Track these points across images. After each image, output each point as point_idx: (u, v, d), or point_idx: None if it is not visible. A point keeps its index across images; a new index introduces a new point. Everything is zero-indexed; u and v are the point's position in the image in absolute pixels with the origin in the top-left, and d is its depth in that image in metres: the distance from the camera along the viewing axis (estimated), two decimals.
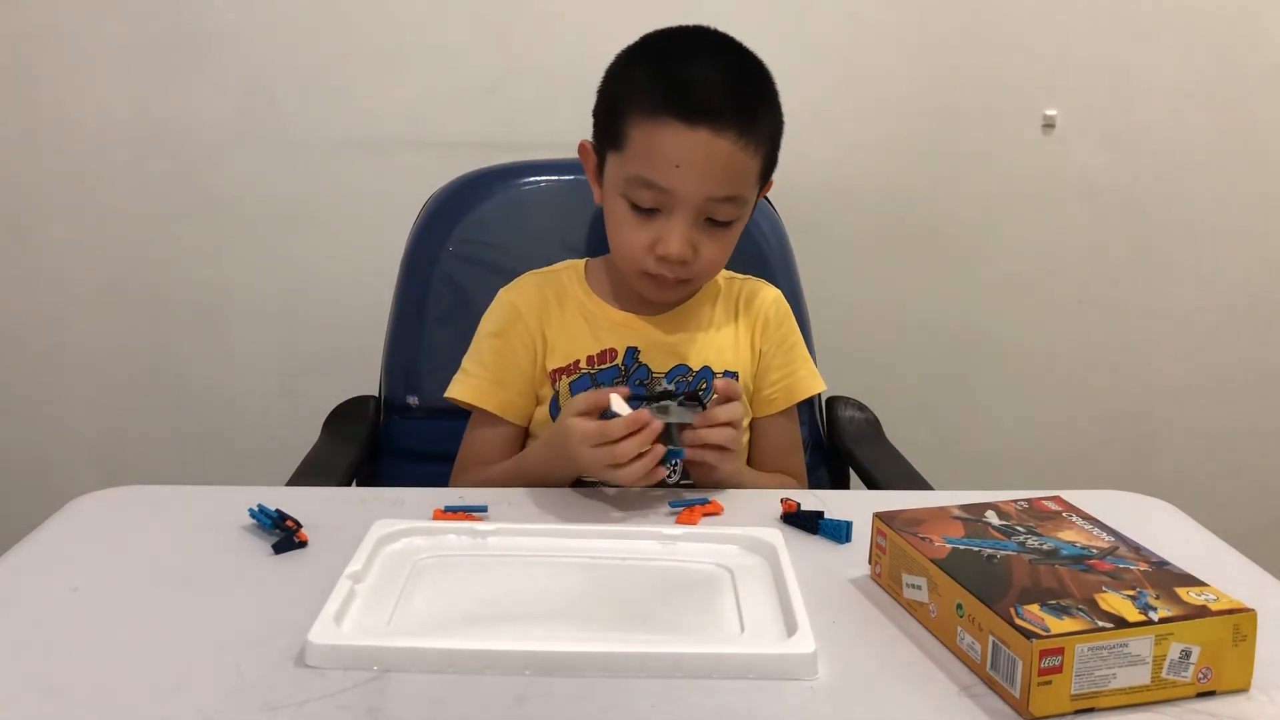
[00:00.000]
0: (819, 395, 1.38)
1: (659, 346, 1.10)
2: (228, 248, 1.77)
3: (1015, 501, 0.84)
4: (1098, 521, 0.80)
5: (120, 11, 1.67)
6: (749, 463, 1.13)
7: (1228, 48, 1.75)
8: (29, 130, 1.72)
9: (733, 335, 1.14)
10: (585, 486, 1.08)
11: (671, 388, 0.98)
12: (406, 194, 1.42)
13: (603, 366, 1.10)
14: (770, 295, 1.19)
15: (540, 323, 1.12)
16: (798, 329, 1.19)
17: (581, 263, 1.18)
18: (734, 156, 1.01)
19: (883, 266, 1.81)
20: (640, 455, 0.92)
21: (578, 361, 1.10)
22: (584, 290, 1.14)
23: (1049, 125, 1.77)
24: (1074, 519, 0.81)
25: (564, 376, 1.11)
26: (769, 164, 1.08)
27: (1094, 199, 1.80)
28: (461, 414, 1.16)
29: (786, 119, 1.76)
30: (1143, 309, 1.85)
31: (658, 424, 0.93)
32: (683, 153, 0.99)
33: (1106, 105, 1.76)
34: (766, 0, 1.69)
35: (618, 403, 0.94)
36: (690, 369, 1.10)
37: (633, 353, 1.10)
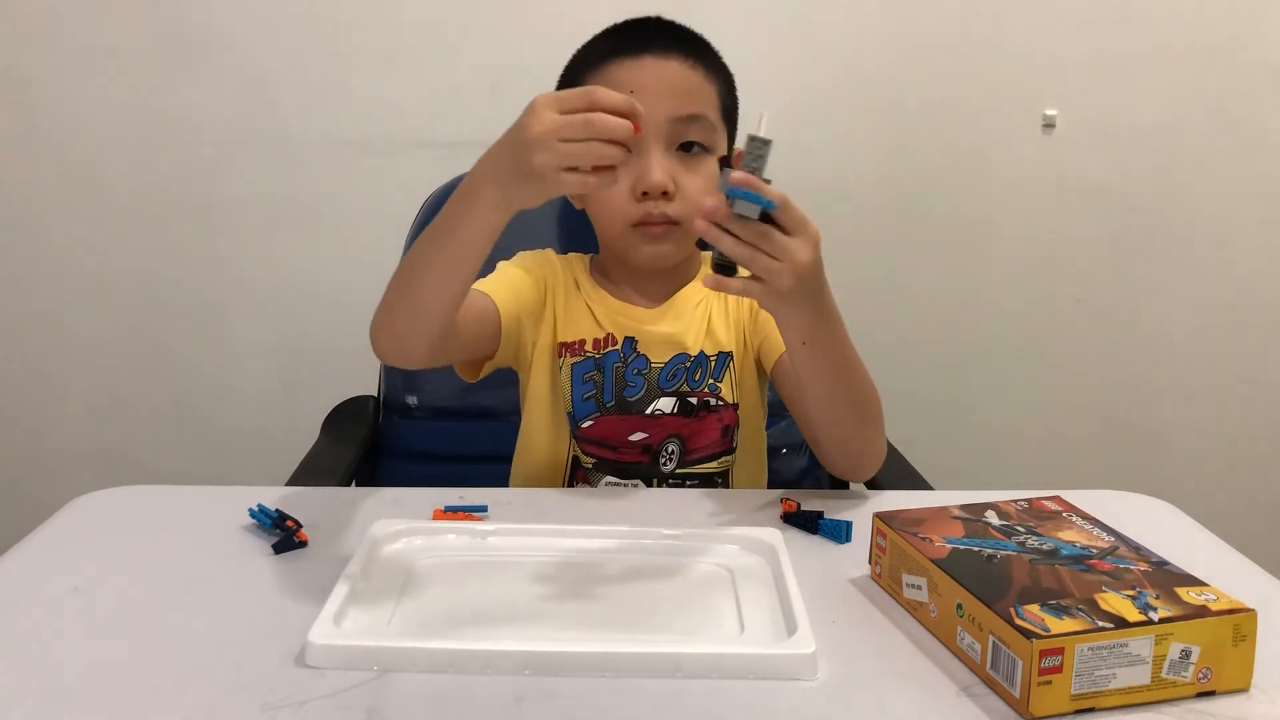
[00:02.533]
0: None
1: (655, 337, 1.10)
2: (228, 247, 1.77)
3: (1015, 501, 0.84)
4: (1098, 521, 0.80)
5: (120, 11, 1.67)
6: (799, 415, 1.06)
7: (1228, 48, 1.75)
8: (29, 129, 1.72)
9: (722, 312, 1.13)
10: (584, 486, 1.09)
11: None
12: (406, 194, 1.42)
13: (605, 350, 1.10)
14: None
15: (552, 292, 1.12)
16: None
17: (588, 256, 1.18)
18: (685, 75, 1.04)
19: (883, 266, 1.81)
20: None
21: (584, 342, 1.10)
22: (588, 280, 1.15)
23: (1049, 125, 1.77)
24: (1074, 519, 0.81)
25: (568, 354, 1.11)
26: (727, 105, 1.08)
27: (1094, 199, 1.80)
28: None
29: (787, 117, 1.76)
30: (1143, 309, 1.85)
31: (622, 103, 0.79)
32: (634, 79, 1.02)
33: (1106, 105, 1.76)
34: (767, 1, 1.69)
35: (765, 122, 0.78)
36: (689, 355, 1.10)
37: (630, 342, 1.10)
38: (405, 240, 1.37)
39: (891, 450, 1.29)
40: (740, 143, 0.80)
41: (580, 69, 1.07)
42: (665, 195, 1.03)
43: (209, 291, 1.79)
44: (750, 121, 1.06)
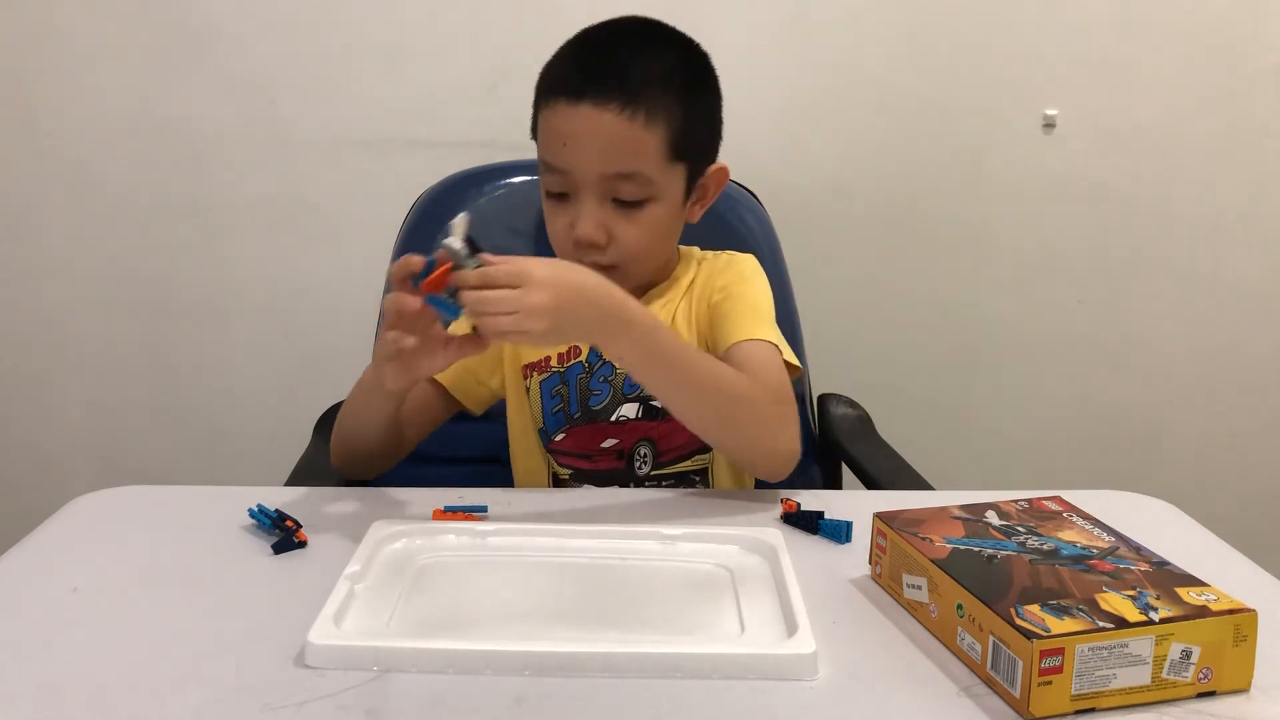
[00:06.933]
0: (809, 391, 1.38)
1: None
2: (228, 247, 1.77)
3: (1015, 501, 0.84)
4: (1098, 521, 0.80)
5: (120, 11, 1.67)
6: None
7: (1228, 48, 1.75)
8: (29, 129, 1.72)
9: (686, 314, 1.11)
10: (582, 487, 1.09)
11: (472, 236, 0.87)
12: (406, 194, 1.42)
13: (569, 363, 1.10)
14: (724, 260, 1.14)
15: None
16: (753, 286, 1.11)
17: None
18: (622, 130, 0.99)
19: (883, 267, 1.81)
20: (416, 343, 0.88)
21: (548, 359, 1.10)
22: None
23: (1049, 125, 1.77)
24: (1074, 519, 0.81)
25: (535, 373, 1.11)
26: (680, 144, 1.02)
27: (1094, 199, 1.80)
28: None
29: (786, 117, 1.77)
30: (1143, 309, 1.85)
31: (414, 302, 0.85)
32: (569, 129, 1.00)
33: (1106, 105, 1.76)
34: (767, 0, 1.69)
35: (460, 222, 0.86)
36: None
37: (596, 351, 1.10)
38: (394, 243, 1.36)
39: (884, 446, 1.29)
40: (455, 238, 0.86)
41: (539, 94, 1.05)
42: (597, 246, 1.02)
43: (208, 291, 1.79)
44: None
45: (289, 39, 1.69)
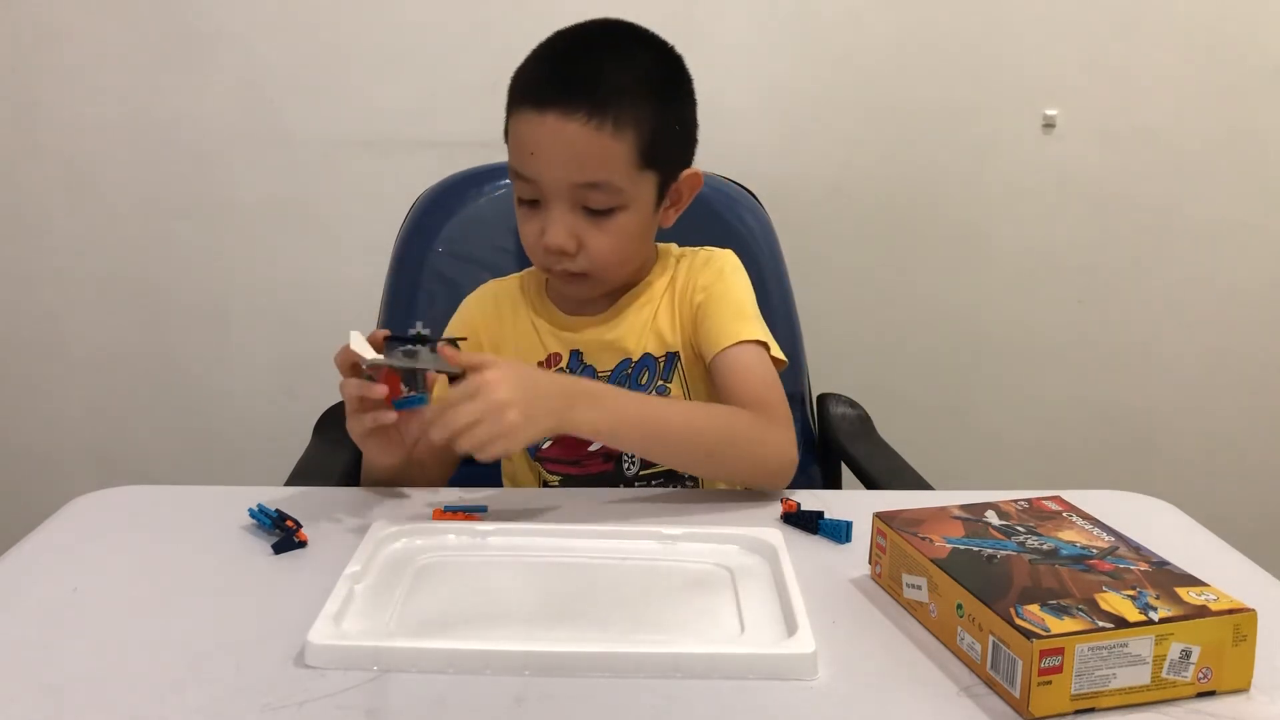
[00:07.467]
0: (809, 391, 1.38)
1: (601, 345, 1.09)
2: (228, 248, 1.77)
3: (1015, 501, 0.84)
4: (1098, 521, 0.80)
5: (120, 11, 1.67)
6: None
7: (1228, 48, 1.75)
8: (29, 130, 1.72)
9: (669, 314, 1.11)
10: (583, 487, 1.09)
11: (426, 332, 0.91)
12: (407, 194, 1.42)
13: (553, 370, 1.09)
14: (702, 258, 1.13)
15: (490, 334, 1.12)
16: (733, 283, 1.10)
17: None
18: (588, 139, 0.97)
19: (883, 267, 1.81)
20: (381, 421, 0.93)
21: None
22: (539, 297, 1.13)
23: (1049, 125, 1.77)
24: (1074, 519, 0.81)
25: None
26: (650, 151, 1.01)
27: (1094, 199, 1.80)
28: None
29: (786, 117, 1.76)
30: (1143, 309, 1.85)
31: (380, 389, 0.91)
32: (535, 139, 0.99)
33: (1106, 105, 1.76)
34: (767, 0, 1.69)
35: (357, 340, 0.90)
36: (632, 360, 1.09)
37: (577, 355, 1.10)
38: (394, 242, 1.36)
39: (884, 446, 1.30)
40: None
41: (509, 99, 1.04)
42: (566, 254, 1.02)
43: (208, 292, 1.79)
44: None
45: (289, 39, 1.69)
